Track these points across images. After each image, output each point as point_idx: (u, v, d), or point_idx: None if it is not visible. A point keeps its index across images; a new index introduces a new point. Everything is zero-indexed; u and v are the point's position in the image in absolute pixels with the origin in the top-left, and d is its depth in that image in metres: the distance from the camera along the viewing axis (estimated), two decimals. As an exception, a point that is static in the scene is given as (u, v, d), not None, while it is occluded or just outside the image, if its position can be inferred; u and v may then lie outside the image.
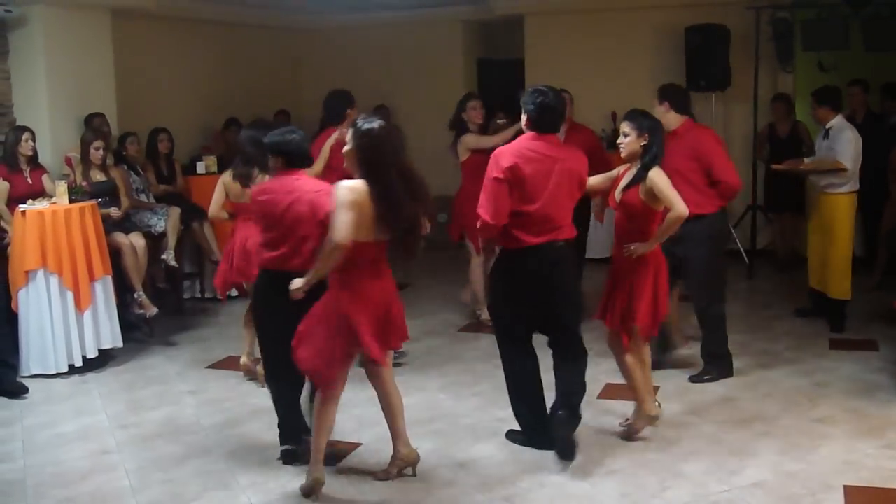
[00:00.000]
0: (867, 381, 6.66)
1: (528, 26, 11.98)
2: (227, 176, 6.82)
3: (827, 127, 7.72)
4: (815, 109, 7.83)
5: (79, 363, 7.31)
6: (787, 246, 10.51)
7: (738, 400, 6.35)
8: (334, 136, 6.86)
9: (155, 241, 8.62)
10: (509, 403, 5.64)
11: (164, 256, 8.68)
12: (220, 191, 6.86)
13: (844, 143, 7.53)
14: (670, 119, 6.43)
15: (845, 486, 4.92)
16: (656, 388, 6.28)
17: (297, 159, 5.26)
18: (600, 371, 6.59)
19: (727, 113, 10.95)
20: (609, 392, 6.47)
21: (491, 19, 12.48)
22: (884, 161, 9.19)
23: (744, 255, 10.24)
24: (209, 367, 7.52)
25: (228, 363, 7.52)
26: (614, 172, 5.66)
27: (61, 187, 7.43)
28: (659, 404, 5.91)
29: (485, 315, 8.07)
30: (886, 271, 9.00)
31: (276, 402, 5.47)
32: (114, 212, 8.10)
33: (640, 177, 5.36)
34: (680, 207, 5.31)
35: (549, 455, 5.40)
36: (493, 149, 5.61)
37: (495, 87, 12.66)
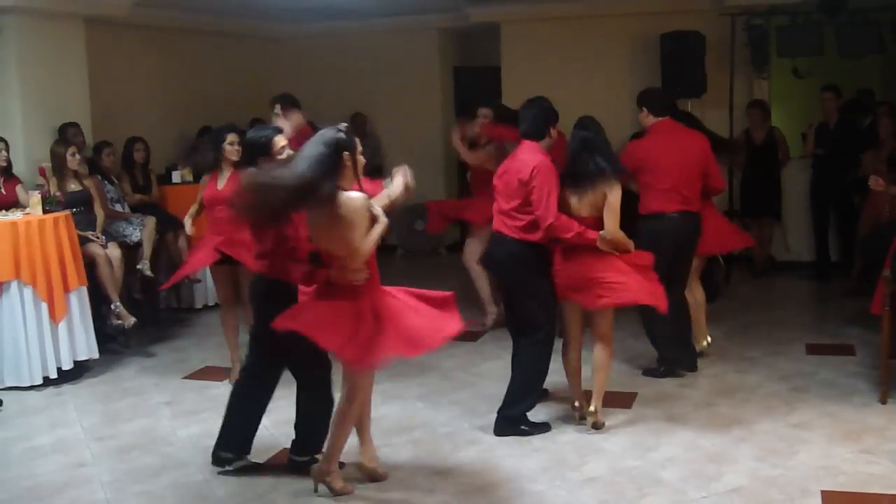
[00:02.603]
0: (844, 385, 6.68)
1: (504, 34, 11.99)
2: None
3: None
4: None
5: (54, 375, 7.24)
6: (764, 251, 10.56)
7: (715, 406, 6.36)
8: None
9: (130, 251, 8.56)
10: (487, 412, 5.61)
11: (139, 266, 8.60)
12: None
13: None
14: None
15: (823, 492, 4.93)
16: (634, 395, 6.32)
17: None
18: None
19: (703, 119, 10.88)
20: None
21: (467, 27, 12.48)
22: (858, 164, 9.28)
23: (720, 260, 10.26)
24: (186, 377, 7.46)
25: (205, 373, 7.48)
26: None
27: (35, 198, 7.38)
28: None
29: None
30: (862, 276, 9.04)
31: None
32: (91, 235, 8.02)
33: None
34: None
35: (528, 463, 5.44)
36: None
37: (472, 95, 12.66)
